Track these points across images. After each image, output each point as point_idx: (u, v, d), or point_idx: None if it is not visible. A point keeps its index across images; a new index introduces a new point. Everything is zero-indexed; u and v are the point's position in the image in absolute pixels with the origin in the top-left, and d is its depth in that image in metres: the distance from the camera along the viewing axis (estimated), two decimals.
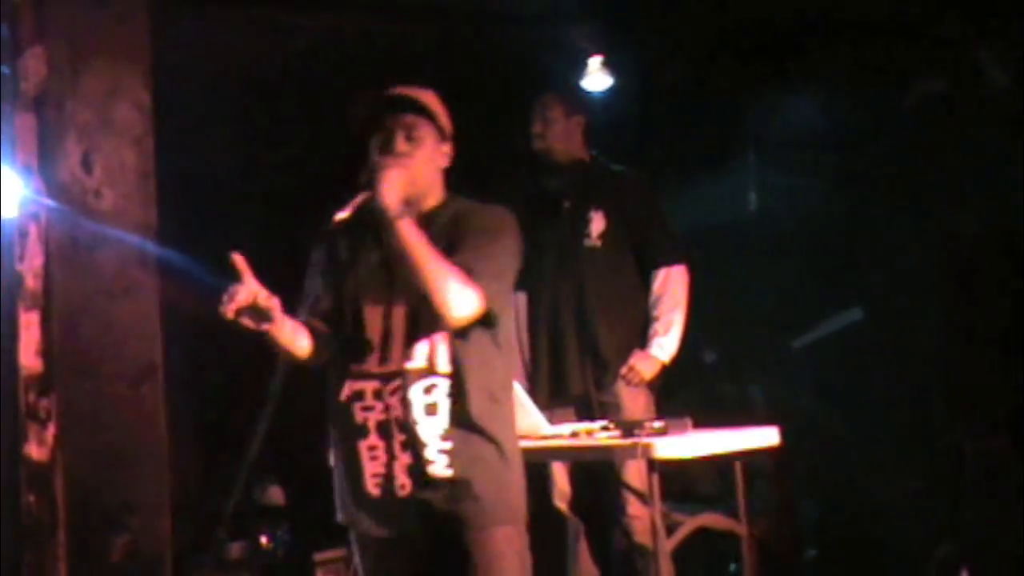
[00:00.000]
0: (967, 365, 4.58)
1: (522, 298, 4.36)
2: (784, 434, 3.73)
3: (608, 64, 5.35)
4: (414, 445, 2.78)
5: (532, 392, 4.06)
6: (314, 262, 2.98)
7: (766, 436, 3.69)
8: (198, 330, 5.53)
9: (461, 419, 2.79)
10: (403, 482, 2.79)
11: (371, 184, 2.75)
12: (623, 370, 4.25)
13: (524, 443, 3.38)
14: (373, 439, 2.84)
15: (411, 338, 2.81)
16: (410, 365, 2.80)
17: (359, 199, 2.74)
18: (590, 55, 5.35)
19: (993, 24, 4.73)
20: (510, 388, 2.98)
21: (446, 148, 2.95)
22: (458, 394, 2.78)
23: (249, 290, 2.62)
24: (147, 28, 2.69)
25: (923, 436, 4.75)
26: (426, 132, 2.88)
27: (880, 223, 4.90)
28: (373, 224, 2.78)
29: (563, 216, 4.38)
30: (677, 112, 5.53)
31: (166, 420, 3.11)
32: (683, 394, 4.66)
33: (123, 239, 2.65)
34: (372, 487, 2.83)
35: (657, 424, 3.46)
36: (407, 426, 2.78)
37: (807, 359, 5.22)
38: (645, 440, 3.28)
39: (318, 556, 5.21)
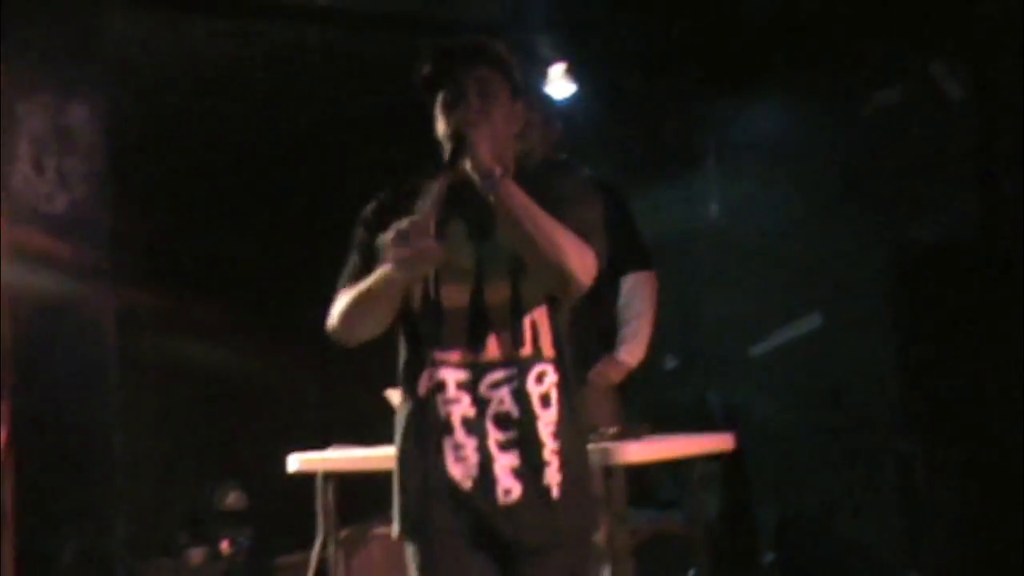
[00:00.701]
0: (921, 372, 4.63)
1: None
2: (741, 440, 3.77)
3: (571, 71, 5.40)
4: (526, 444, 2.46)
5: None
6: (363, 239, 2.59)
7: (722, 441, 3.72)
8: (156, 332, 5.58)
9: (570, 413, 2.50)
10: (508, 486, 2.45)
11: (460, 149, 2.41)
12: (591, 374, 4.27)
13: None
14: (460, 436, 2.47)
15: (515, 319, 2.48)
16: (522, 351, 2.47)
17: (442, 181, 2.39)
18: (553, 62, 5.40)
19: (948, 37, 4.79)
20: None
21: (519, 107, 2.61)
22: (565, 382, 2.49)
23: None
24: (101, 34, 2.69)
25: (879, 442, 4.80)
26: (500, 87, 2.55)
27: (837, 231, 4.94)
28: (454, 193, 2.42)
29: None
30: (638, 120, 5.57)
31: (121, 424, 3.10)
32: (641, 400, 4.69)
33: (76, 243, 2.65)
34: (465, 492, 2.46)
35: (613, 430, 3.49)
36: (520, 423, 2.46)
37: (765, 366, 5.26)
38: (602, 445, 3.30)
39: (279, 561, 5.22)
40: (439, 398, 2.48)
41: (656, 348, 4.26)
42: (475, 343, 2.47)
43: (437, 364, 2.49)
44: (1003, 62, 4.66)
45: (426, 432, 2.49)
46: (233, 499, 5.98)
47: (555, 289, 2.45)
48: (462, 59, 2.55)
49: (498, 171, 2.38)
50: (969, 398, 4.43)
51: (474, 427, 2.46)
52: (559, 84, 5.39)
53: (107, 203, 2.67)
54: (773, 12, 4.90)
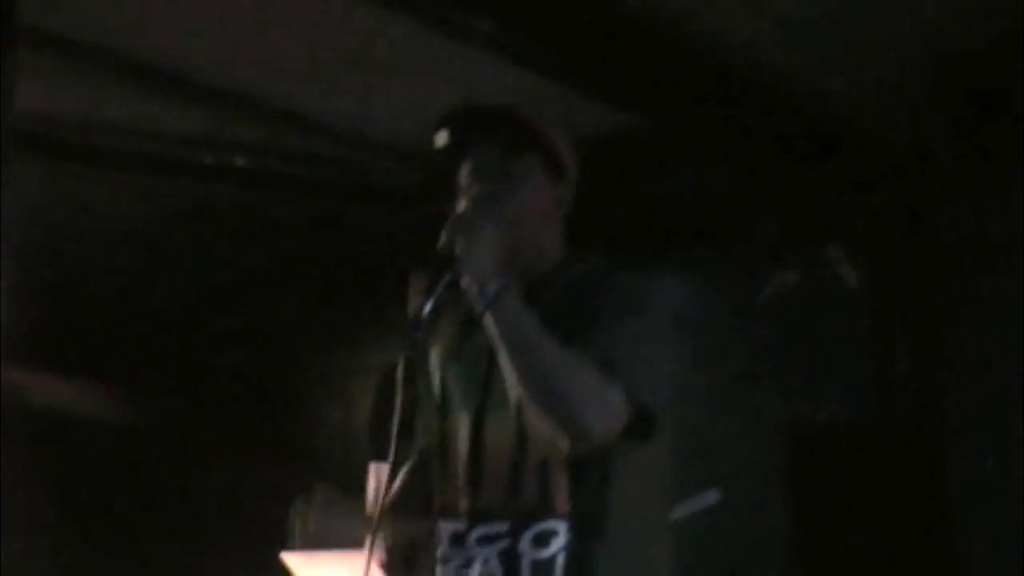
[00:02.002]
0: (811, 552, 4.65)
1: (384, 470, 4.35)
2: None
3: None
4: None
5: (389, 561, 4.03)
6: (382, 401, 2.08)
7: None
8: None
9: None
10: None
11: (451, 250, 1.92)
12: None
13: None
14: None
15: (516, 462, 1.99)
16: (521, 503, 1.97)
17: (440, 284, 1.91)
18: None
19: (844, 224, 4.95)
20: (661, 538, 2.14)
21: (562, 188, 2.11)
22: (584, 547, 1.95)
23: None
24: None
25: None
26: (530, 164, 2.06)
27: (734, 409, 5.01)
28: (464, 307, 1.99)
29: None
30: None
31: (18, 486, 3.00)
32: None
33: None
34: None
35: None
36: None
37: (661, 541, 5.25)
38: None
39: None
40: (437, 554, 2.09)
41: None
42: (472, 488, 2.04)
43: (439, 511, 2.10)
44: (894, 249, 4.83)
45: None
46: None
47: (559, 443, 1.93)
48: (478, 131, 2.08)
49: (488, 285, 1.90)
50: None
51: None
52: None
53: None
54: (676, 190, 5.04)
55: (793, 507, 4.77)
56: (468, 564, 2.02)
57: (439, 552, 2.09)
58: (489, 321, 1.92)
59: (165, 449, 5.77)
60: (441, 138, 2.09)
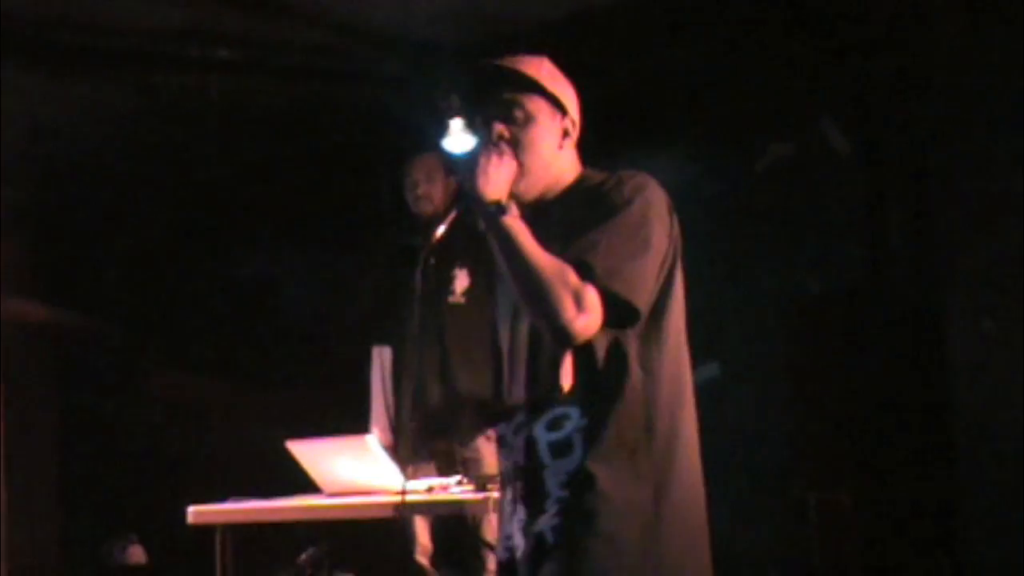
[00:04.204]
0: (812, 420, 4.71)
1: (387, 353, 4.40)
2: None
3: (470, 126, 5.44)
4: (531, 496, 2.20)
5: (395, 446, 4.09)
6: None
7: None
8: (47, 382, 5.52)
9: (597, 461, 2.14)
10: (519, 543, 2.22)
11: (462, 185, 2.25)
12: None
13: (379, 498, 3.41)
14: (506, 490, 2.31)
15: (533, 357, 2.24)
16: (537, 393, 2.21)
17: (453, 213, 2.29)
18: (453, 116, 5.44)
19: (838, 94, 4.94)
20: (682, 413, 2.24)
21: (568, 121, 2.35)
22: (594, 426, 2.15)
23: None
24: None
25: (773, 488, 4.88)
26: (536, 107, 2.31)
27: (731, 282, 5.04)
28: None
29: (428, 273, 4.43)
30: None
31: (10, 477, 3.04)
32: None
33: None
34: (500, 551, 2.31)
35: None
36: (528, 472, 2.21)
37: None
38: (496, 494, 3.32)
39: None
40: (503, 450, 2.32)
41: None
42: (510, 388, 2.30)
43: (502, 410, 2.32)
44: (889, 119, 4.82)
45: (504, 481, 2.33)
46: (133, 554, 5.90)
47: (554, 341, 2.16)
48: (487, 84, 2.35)
49: (490, 205, 2.18)
50: (858, 446, 4.53)
51: (508, 478, 2.29)
52: (459, 138, 5.44)
53: None
54: (670, 68, 5.00)
55: (793, 377, 4.81)
56: (511, 452, 2.27)
57: (504, 444, 2.32)
58: (491, 234, 2.18)
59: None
60: (454, 102, 2.63)
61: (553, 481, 2.18)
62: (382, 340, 4.20)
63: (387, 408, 4.45)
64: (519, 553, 2.22)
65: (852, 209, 4.91)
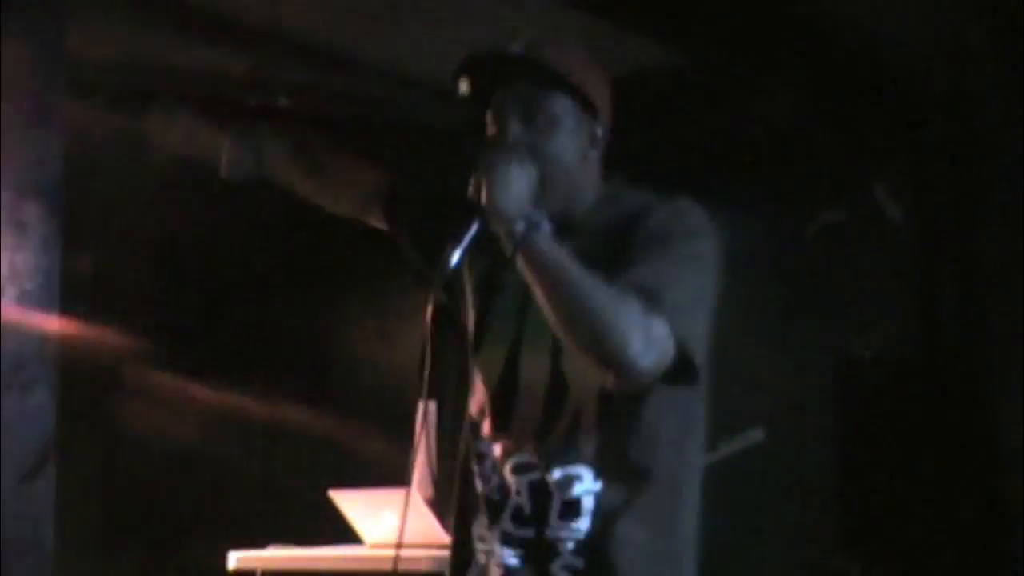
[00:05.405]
0: (858, 490, 4.66)
1: (432, 406, 4.38)
2: None
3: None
4: (536, 549, 1.93)
5: (437, 500, 4.07)
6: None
7: None
8: (96, 423, 5.54)
9: (609, 531, 1.88)
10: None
11: (477, 191, 1.86)
12: None
13: (420, 551, 3.40)
14: (483, 523, 2.01)
15: (549, 404, 1.92)
16: (549, 445, 1.91)
17: (471, 228, 1.85)
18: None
19: (891, 160, 4.92)
20: (694, 481, 1.98)
21: (598, 127, 2.00)
22: (611, 494, 1.89)
23: None
24: (62, 128, 2.74)
25: (816, 558, 4.81)
26: (562, 108, 1.95)
27: (780, 346, 5.00)
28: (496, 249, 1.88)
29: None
30: None
31: (57, 517, 3.05)
32: None
33: (21, 334, 2.66)
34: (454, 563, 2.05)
35: None
36: (531, 522, 1.93)
37: (707, 479, 5.27)
38: None
39: None
40: (477, 468, 2.03)
41: None
42: (503, 420, 1.98)
43: (474, 430, 2.03)
44: (942, 186, 4.79)
45: (461, 501, 2.06)
46: None
47: (603, 380, 1.83)
48: (503, 74, 1.98)
49: (513, 223, 1.82)
50: (906, 520, 4.47)
51: (492, 513, 1.98)
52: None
53: (56, 295, 2.69)
54: (722, 131, 5.01)
55: (840, 444, 4.77)
56: (507, 494, 1.96)
57: (483, 469, 2.02)
58: (521, 260, 1.83)
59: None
60: (462, 87, 2.00)
61: (563, 545, 1.91)
62: (429, 392, 4.19)
63: (430, 462, 4.44)
64: None
65: (904, 277, 4.88)
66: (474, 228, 1.85)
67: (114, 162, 4.58)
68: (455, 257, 1.83)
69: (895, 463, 4.55)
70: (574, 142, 1.97)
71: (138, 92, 4.13)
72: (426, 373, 1.96)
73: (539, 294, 1.83)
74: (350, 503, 3.73)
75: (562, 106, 1.97)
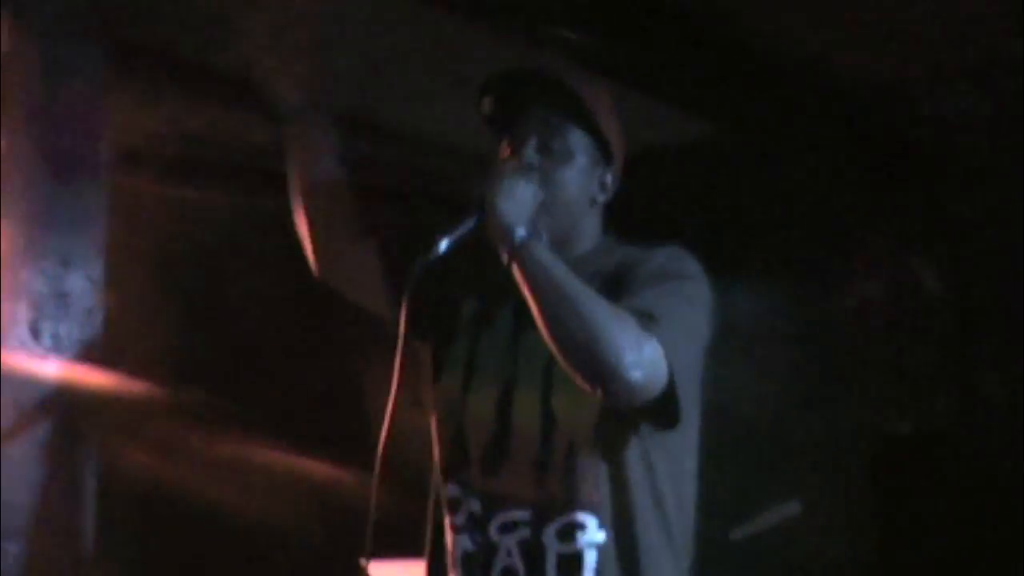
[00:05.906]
0: (896, 566, 4.60)
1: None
2: None
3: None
4: None
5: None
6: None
7: None
8: (138, 483, 5.55)
9: None
10: None
11: (480, 199, 1.82)
12: None
13: None
14: None
15: (542, 444, 1.81)
16: (546, 491, 1.79)
17: (464, 227, 1.82)
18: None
19: (930, 234, 4.91)
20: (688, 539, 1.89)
21: (609, 175, 1.99)
22: (626, 548, 1.80)
23: None
24: (103, 200, 2.78)
25: None
26: (578, 142, 1.94)
27: (818, 419, 4.97)
28: (493, 265, 1.83)
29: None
30: None
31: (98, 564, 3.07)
32: None
33: (65, 403, 2.70)
34: None
35: None
36: None
37: (743, 551, 5.22)
38: None
39: None
40: (448, 519, 1.92)
41: None
42: (490, 467, 1.85)
43: (452, 481, 1.91)
44: (982, 261, 4.77)
45: (433, 553, 1.96)
46: None
47: (603, 397, 1.75)
48: (528, 96, 1.94)
49: (514, 232, 1.76)
50: None
51: (472, 570, 1.85)
52: None
53: (97, 364, 2.72)
54: (761, 201, 5.01)
55: (877, 520, 4.72)
56: (491, 553, 1.84)
57: (456, 521, 1.89)
58: (516, 269, 1.78)
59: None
60: (486, 106, 1.98)
61: None
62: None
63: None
64: None
65: (943, 351, 4.84)
66: (469, 224, 1.83)
67: (154, 230, 4.63)
68: (442, 245, 1.80)
69: (934, 538, 4.50)
70: (584, 180, 1.97)
71: (180, 161, 4.19)
72: (394, 382, 1.93)
73: (533, 302, 1.76)
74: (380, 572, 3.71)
75: (579, 141, 1.95)
